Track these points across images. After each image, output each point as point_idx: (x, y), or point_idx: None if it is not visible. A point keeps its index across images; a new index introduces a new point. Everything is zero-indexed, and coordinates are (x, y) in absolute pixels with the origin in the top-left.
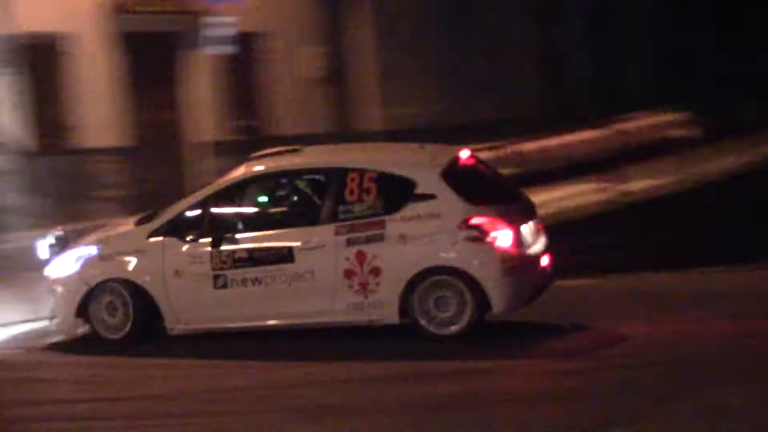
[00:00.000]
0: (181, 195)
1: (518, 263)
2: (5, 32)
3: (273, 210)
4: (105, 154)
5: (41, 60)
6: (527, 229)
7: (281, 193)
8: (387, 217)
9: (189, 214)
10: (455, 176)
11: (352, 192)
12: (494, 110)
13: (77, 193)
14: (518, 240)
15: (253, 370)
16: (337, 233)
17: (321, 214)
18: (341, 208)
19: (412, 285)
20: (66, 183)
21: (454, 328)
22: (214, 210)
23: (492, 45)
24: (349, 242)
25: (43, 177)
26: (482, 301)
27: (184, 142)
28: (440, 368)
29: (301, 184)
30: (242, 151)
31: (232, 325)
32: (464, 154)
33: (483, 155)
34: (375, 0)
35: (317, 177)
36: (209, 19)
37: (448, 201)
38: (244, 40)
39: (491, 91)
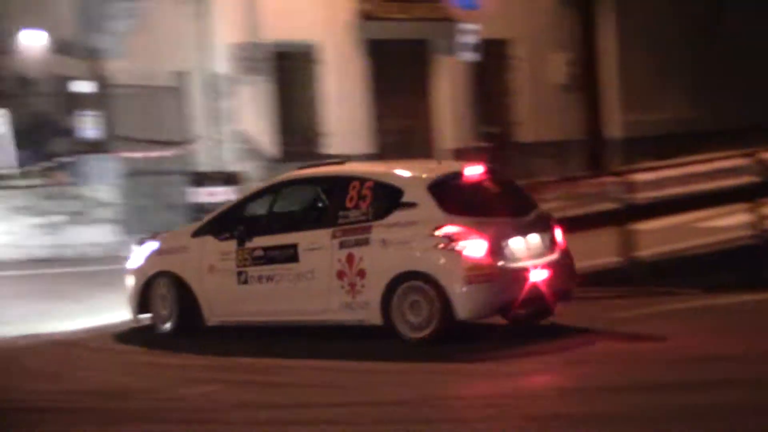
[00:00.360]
0: None
1: (489, 273)
2: (253, 41)
3: (288, 213)
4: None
5: (288, 68)
6: (521, 242)
7: (297, 198)
8: (374, 223)
9: (226, 215)
10: (445, 189)
11: (351, 199)
12: (744, 116)
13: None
14: (496, 251)
15: (471, 378)
16: (333, 236)
17: (324, 218)
18: (341, 213)
19: (390, 288)
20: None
21: (424, 333)
22: (244, 212)
23: (743, 49)
24: (342, 245)
25: None
26: (448, 307)
27: (430, 149)
28: (669, 377)
29: (314, 191)
30: (483, 159)
31: (253, 319)
32: (470, 170)
33: (732, 163)
34: (621, 3)
35: (327, 185)
36: (460, 26)
37: (427, 210)
38: (490, 47)
39: (740, 96)
